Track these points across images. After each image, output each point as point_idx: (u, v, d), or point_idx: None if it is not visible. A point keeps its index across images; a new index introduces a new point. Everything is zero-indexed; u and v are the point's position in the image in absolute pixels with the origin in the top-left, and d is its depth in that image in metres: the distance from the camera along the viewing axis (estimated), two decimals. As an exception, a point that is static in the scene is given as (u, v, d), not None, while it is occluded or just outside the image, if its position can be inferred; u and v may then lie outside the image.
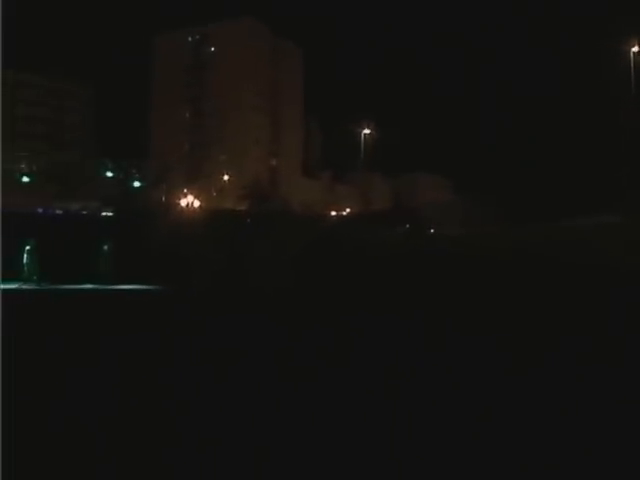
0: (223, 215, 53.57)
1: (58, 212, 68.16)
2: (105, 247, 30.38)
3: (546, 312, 19.07)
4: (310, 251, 31.09)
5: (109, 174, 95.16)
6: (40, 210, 69.94)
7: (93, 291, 26.67)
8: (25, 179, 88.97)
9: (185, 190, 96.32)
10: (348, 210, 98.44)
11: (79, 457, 7.31)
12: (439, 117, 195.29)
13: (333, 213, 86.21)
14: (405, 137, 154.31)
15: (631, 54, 51.06)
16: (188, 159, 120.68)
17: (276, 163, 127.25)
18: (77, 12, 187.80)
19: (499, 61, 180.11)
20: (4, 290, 26.54)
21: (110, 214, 54.03)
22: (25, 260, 29.47)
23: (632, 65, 50.72)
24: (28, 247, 29.52)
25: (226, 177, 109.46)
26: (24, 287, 27.98)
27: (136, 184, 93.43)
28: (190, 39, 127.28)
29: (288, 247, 31.20)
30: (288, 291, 24.39)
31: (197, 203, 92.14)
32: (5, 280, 28.77)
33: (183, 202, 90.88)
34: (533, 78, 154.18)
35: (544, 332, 16.00)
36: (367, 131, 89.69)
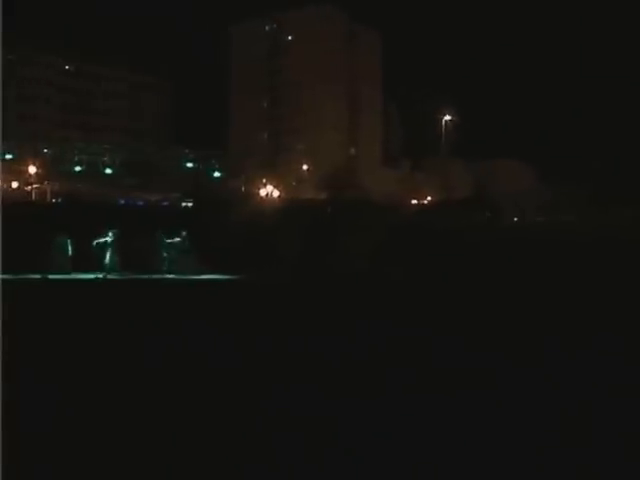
0: (303, 205, 53.74)
1: (139, 203, 69.63)
2: (180, 238, 30.86)
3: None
4: (391, 240, 30.95)
5: (189, 165, 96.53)
6: (122, 201, 71.59)
7: (175, 282, 27.09)
8: (108, 171, 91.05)
9: (264, 180, 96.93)
10: (429, 198, 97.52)
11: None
12: (522, 102, 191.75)
13: (414, 202, 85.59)
14: (487, 123, 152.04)
15: None
16: (266, 148, 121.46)
17: (355, 151, 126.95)
18: (156, 4, 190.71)
19: (578, 45, 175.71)
20: (88, 279, 27.29)
21: (190, 204, 54.81)
22: (108, 250, 30.22)
23: None
24: (111, 238, 30.24)
25: (305, 166, 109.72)
26: (108, 277, 28.69)
27: (216, 174, 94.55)
28: (267, 28, 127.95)
29: (369, 236, 31.13)
30: (371, 281, 24.33)
31: (276, 193, 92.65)
32: (88, 270, 29.58)
33: (262, 192, 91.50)
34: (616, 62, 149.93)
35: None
36: (448, 117, 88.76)
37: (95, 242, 30.19)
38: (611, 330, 14.74)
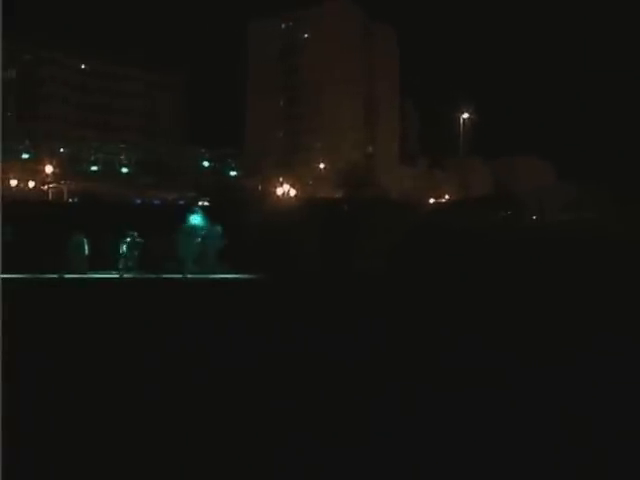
0: (319, 203, 53.66)
1: (156, 202, 69.76)
2: (199, 238, 30.84)
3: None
4: (409, 240, 30.77)
5: (205, 164, 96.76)
6: (138, 201, 71.77)
7: (194, 281, 27.04)
8: (124, 170, 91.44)
9: (280, 179, 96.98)
10: (447, 197, 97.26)
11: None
12: (542, 98, 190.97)
13: (431, 200, 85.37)
14: (506, 120, 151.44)
15: None
16: (283, 147, 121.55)
17: (372, 150, 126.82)
18: (172, 3, 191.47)
19: (602, 40, 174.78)
20: (109, 279, 27.29)
21: (207, 204, 54.80)
22: (125, 249, 30.21)
23: None
24: (129, 237, 30.24)
25: (322, 165, 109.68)
26: (125, 276, 28.68)
27: (232, 173, 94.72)
28: (283, 26, 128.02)
29: (387, 236, 30.96)
30: (389, 280, 24.17)
31: (293, 192, 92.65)
32: (106, 269, 29.59)
33: (279, 191, 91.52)
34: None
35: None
36: (466, 115, 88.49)
37: (112, 241, 30.24)
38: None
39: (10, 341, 10.43)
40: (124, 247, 30.34)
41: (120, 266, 29.95)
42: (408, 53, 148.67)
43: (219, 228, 31.15)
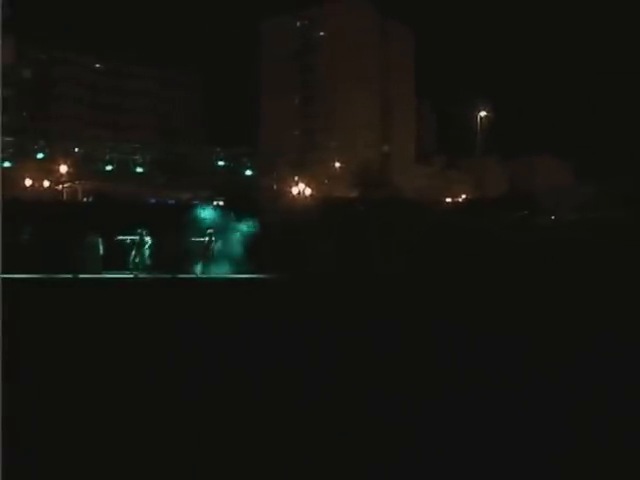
0: (335, 203, 53.65)
1: (170, 202, 69.87)
2: (212, 237, 30.94)
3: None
4: (425, 240, 30.74)
5: (220, 163, 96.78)
6: (153, 200, 71.92)
7: (211, 281, 27.10)
8: (138, 170, 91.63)
9: (296, 178, 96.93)
10: (463, 196, 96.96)
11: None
12: (560, 97, 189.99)
13: (448, 200, 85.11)
14: (523, 119, 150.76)
15: None
16: (298, 146, 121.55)
17: (388, 149, 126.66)
18: (186, 1, 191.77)
19: (618, 36, 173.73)
20: (124, 279, 27.42)
21: (222, 203, 54.89)
22: (140, 249, 30.35)
23: None
24: (142, 237, 30.39)
25: (337, 164, 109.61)
26: (139, 276, 28.82)
27: (247, 172, 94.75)
28: (298, 24, 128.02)
29: (403, 236, 30.95)
30: (407, 281, 24.15)
31: (308, 191, 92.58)
32: (120, 269, 29.74)
33: (294, 190, 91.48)
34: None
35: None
36: (483, 113, 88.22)
37: (125, 240, 30.39)
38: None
39: (27, 344, 10.53)
40: (138, 247, 30.51)
41: (134, 266, 30.14)
42: (424, 51, 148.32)
43: (236, 227, 31.28)
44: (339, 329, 15.09)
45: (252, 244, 31.16)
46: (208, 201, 58.12)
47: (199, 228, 31.42)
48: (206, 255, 30.28)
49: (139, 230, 30.79)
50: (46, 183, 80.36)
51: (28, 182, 78.06)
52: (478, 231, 34.39)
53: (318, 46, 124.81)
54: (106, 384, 9.82)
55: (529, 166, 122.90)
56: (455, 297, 20.74)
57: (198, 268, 29.98)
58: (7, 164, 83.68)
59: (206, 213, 32.98)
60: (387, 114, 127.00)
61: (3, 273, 25.00)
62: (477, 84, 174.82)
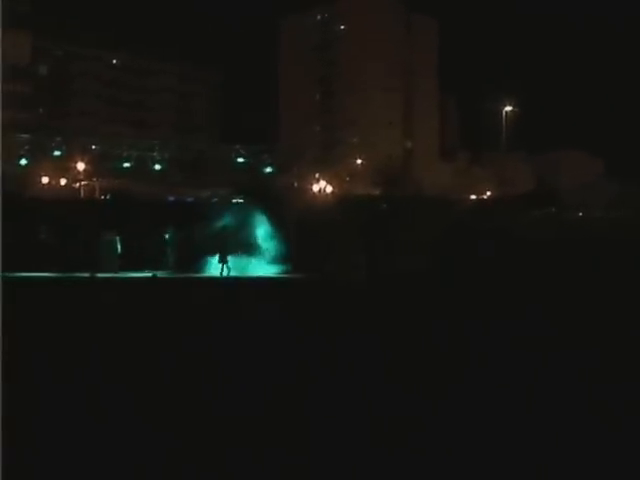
0: (357, 201, 53.57)
1: (189, 200, 70.10)
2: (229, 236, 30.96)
3: None
4: (450, 238, 30.63)
5: (240, 160, 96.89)
6: (171, 198, 72.21)
7: (236, 281, 27.07)
8: (157, 167, 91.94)
9: (317, 175, 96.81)
10: (488, 193, 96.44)
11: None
12: (589, 90, 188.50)
13: (472, 197, 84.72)
14: (550, 114, 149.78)
15: None
16: (319, 143, 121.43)
17: (411, 145, 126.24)
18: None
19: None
20: (142, 278, 27.50)
21: (241, 201, 54.99)
22: (164, 249, 30.45)
23: None
24: (166, 236, 30.49)
25: (359, 161, 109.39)
26: (159, 275, 28.90)
27: (267, 170, 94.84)
28: (319, 17, 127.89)
29: (427, 234, 30.86)
30: (435, 280, 24.05)
31: (329, 188, 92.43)
32: (138, 268, 29.83)
33: (315, 188, 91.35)
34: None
35: None
36: (508, 108, 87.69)
37: (144, 240, 30.51)
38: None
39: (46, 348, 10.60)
40: (158, 246, 30.62)
41: (154, 265, 30.23)
42: (449, 44, 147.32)
43: (257, 226, 31.30)
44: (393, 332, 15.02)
45: (273, 244, 31.16)
46: (227, 199, 58.32)
47: (219, 227, 31.47)
48: (226, 255, 30.31)
49: (157, 229, 30.90)
50: (63, 181, 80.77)
51: (45, 180, 78.51)
52: (504, 230, 34.22)
53: (339, 40, 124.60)
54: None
55: (556, 163, 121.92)
56: (487, 296, 20.60)
57: (220, 268, 30.02)
58: (24, 162, 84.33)
59: (227, 212, 33.03)
60: (410, 109, 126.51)
61: (20, 272, 25.20)
62: (503, 78, 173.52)
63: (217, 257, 30.40)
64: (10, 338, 10.02)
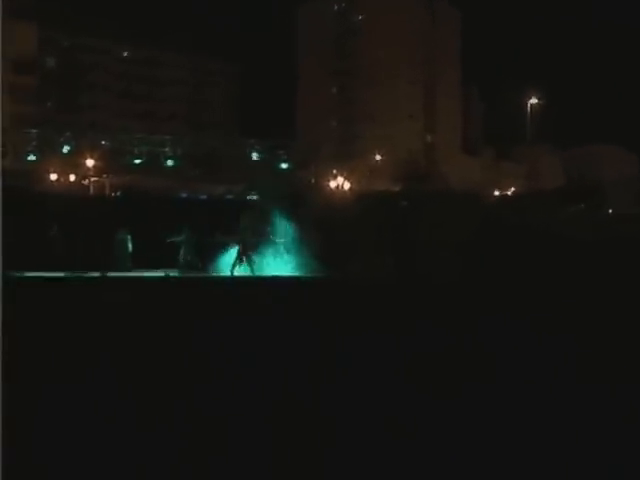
0: (376, 197, 53.41)
1: (202, 197, 70.09)
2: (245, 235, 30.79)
3: None
4: (477, 238, 30.36)
5: (254, 155, 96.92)
6: (184, 195, 72.24)
7: (256, 282, 26.90)
8: (169, 163, 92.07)
9: (334, 171, 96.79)
10: (513, 189, 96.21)
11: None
12: (622, 80, 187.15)
13: (496, 193, 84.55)
14: (579, 105, 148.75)
15: None
16: (337, 137, 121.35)
17: (433, 138, 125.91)
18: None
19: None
20: (155, 278, 27.38)
21: (256, 198, 54.97)
22: (181, 248, 30.34)
23: None
24: (175, 234, 30.38)
25: (378, 156, 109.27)
26: (174, 275, 28.76)
27: (283, 165, 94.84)
28: (336, 7, 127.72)
29: (451, 233, 30.62)
30: (463, 283, 23.77)
31: (347, 185, 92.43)
32: (151, 267, 29.74)
33: (333, 184, 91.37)
34: None
35: None
36: (535, 100, 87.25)
37: (157, 238, 30.38)
38: None
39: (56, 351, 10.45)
40: (180, 245, 30.53)
41: (183, 264, 30.14)
42: (471, 34, 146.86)
43: (274, 224, 31.13)
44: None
45: (290, 243, 31.02)
46: (242, 196, 58.30)
47: (234, 225, 31.31)
48: (244, 254, 30.12)
49: (170, 227, 30.81)
50: (72, 177, 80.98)
51: (53, 176, 78.73)
52: (533, 228, 33.91)
53: (357, 30, 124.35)
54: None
55: (588, 156, 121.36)
56: (519, 300, 20.29)
57: (237, 267, 29.86)
58: (31, 157, 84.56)
59: (242, 209, 32.89)
60: (431, 101, 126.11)
61: (28, 271, 25.16)
62: (529, 66, 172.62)
63: (234, 256, 30.15)
64: (19, 345, 9.93)
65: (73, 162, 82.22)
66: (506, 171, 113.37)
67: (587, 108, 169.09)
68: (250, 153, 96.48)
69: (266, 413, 8.90)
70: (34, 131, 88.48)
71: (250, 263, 29.63)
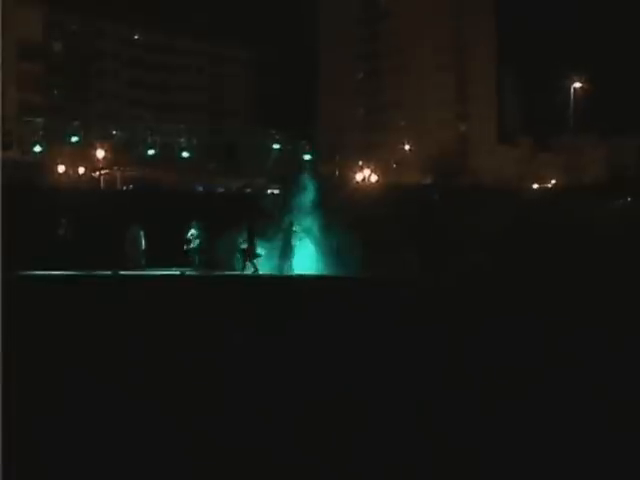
0: (405, 191, 53.34)
1: (219, 190, 70.28)
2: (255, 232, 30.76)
3: None
4: (514, 234, 30.31)
5: (275, 147, 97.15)
6: (200, 188, 72.43)
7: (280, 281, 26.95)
8: (184, 154, 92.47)
9: (360, 162, 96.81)
10: (554, 182, 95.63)
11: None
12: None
13: (535, 186, 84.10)
14: (628, 91, 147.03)
15: None
16: (362, 126, 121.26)
17: (465, 128, 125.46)
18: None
19: None
20: (170, 276, 27.48)
21: (277, 192, 55.06)
22: (191, 245, 30.40)
23: None
24: (193, 231, 30.43)
25: (407, 146, 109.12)
26: (187, 273, 28.85)
27: (306, 157, 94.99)
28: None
29: (486, 229, 30.56)
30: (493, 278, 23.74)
31: (374, 177, 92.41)
32: (164, 265, 29.87)
33: (359, 176, 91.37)
34: None
35: None
36: (578, 85, 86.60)
37: (171, 235, 30.48)
38: None
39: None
40: (191, 242, 30.59)
41: (198, 263, 30.22)
42: (507, 15, 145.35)
43: (296, 219, 31.12)
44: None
45: (312, 239, 31.05)
46: (262, 189, 58.36)
47: (252, 220, 31.32)
48: (252, 251, 30.12)
49: (184, 223, 30.89)
50: (81, 170, 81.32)
51: (61, 169, 79.12)
52: (573, 223, 33.77)
53: (385, 12, 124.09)
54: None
55: (634, 146, 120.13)
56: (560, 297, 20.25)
57: (249, 265, 29.88)
58: (38, 148, 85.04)
59: (262, 203, 32.89)
60: (464, 88, 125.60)
61: (36, 270, 25.32)
62: (570, 51, 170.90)
63: (253, 252, 30.13)
64: (29, 345, 10.09)
65: (82, 153, 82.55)
66: (546, 162, 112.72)
67: (636, 94, 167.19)
68: (270, 144, 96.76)
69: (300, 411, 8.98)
70: (40, 120, 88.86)
71: (253, 263, 29.67)
